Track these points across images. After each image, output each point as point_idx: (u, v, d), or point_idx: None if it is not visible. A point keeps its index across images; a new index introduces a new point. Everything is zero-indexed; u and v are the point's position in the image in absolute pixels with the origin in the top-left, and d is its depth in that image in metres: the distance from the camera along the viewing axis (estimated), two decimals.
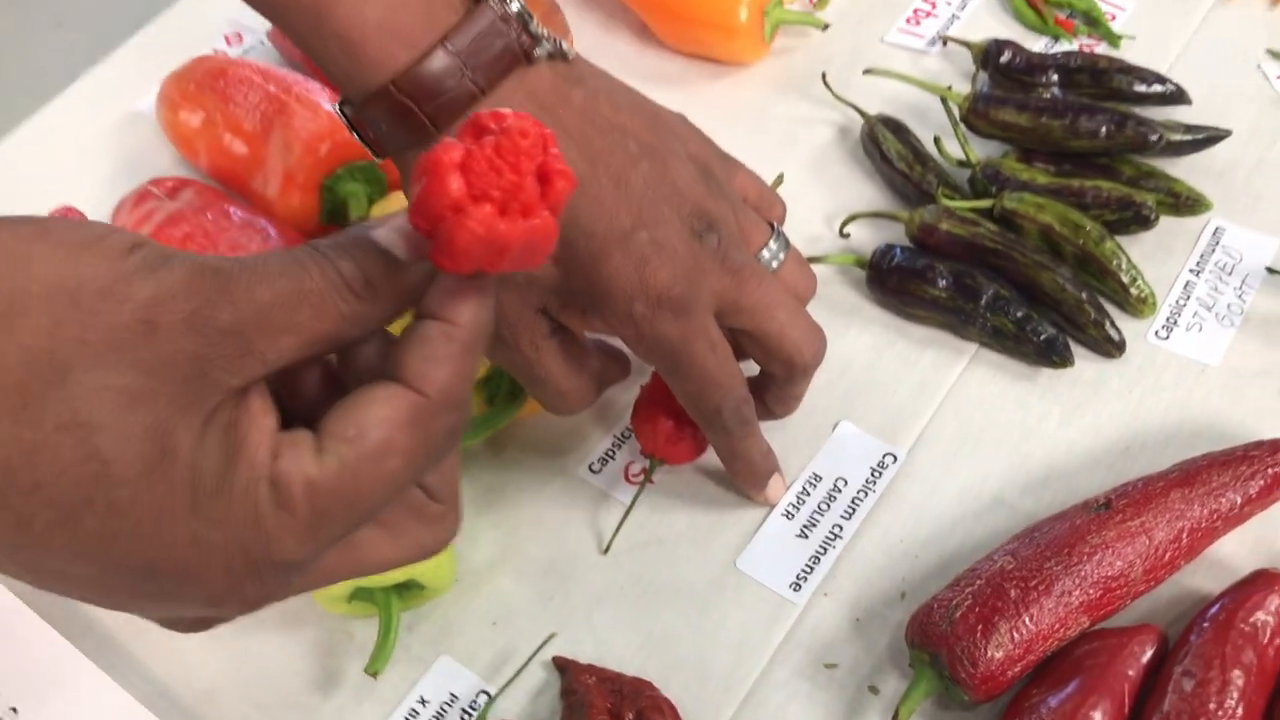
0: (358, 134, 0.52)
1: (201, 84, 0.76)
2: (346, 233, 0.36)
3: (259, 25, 0.88)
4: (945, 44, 0.79)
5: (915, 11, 0.82)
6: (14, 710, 0.58)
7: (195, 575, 0.34)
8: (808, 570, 0.59)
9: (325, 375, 0.40)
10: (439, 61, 0.48)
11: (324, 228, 0.71)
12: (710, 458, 0.62)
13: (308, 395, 0.39)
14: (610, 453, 0.64)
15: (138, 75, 0.86)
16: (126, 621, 0.60)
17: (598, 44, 0.84)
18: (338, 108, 0.52)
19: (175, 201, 0.71)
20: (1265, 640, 0.52)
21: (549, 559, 0.61)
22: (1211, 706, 0.50)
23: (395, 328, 0.37)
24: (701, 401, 0.55)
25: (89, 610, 0.61)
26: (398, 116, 0.49)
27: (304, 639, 0.60)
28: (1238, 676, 0.51)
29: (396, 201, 0.69)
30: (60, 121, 0.85)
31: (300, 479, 0.34)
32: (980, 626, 0.52)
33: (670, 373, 0.55)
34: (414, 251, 0.35)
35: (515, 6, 0.49)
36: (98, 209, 0.75)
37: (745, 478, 0.60)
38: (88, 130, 0.84)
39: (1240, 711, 0.50)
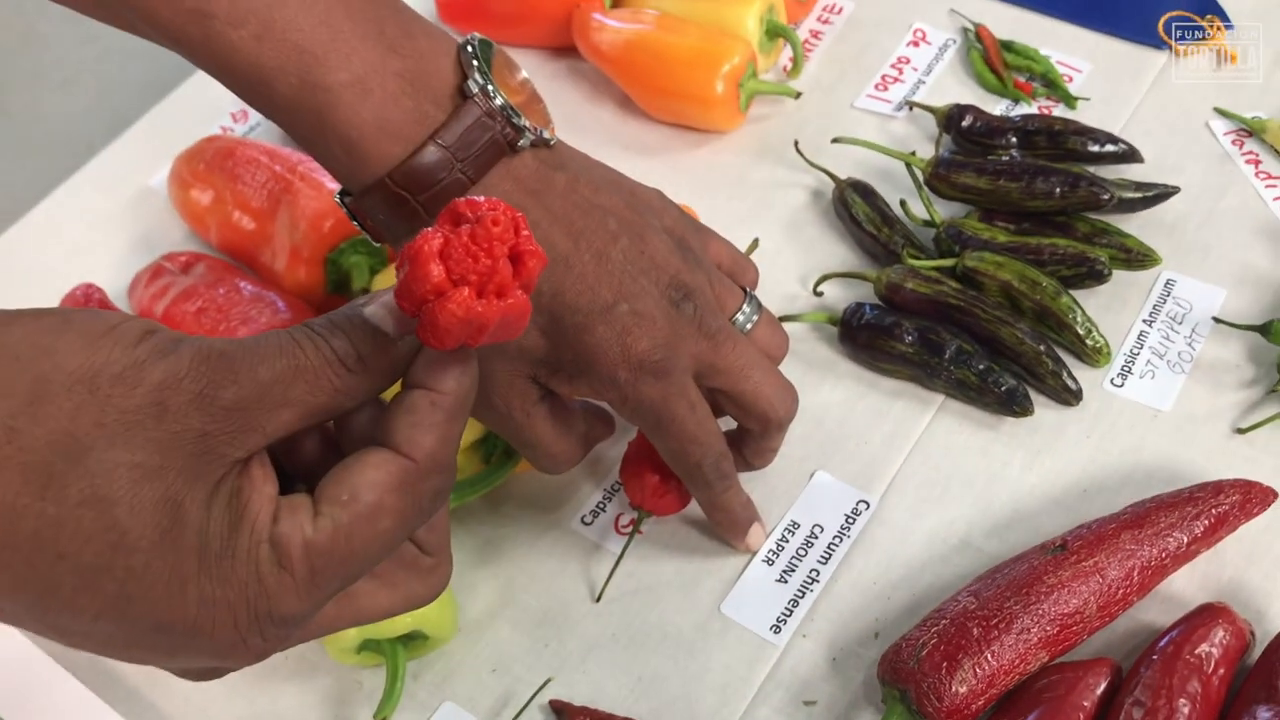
0: (357, 221, 0.56)
1: (211, 164, 0.81)
2: (339, 311, 0.40)
3: None
4: (911, 109, 0.84)
5: (883, 78, 0.87)
6: None
7: (204, 631, 0.38)
8: (787, 613, 0.63)
9: (323, 438, 0.43)
10: (430, 155, 0.52)
11: (330, 298, 0.75)
12: (694, 509, 0.66)
13: (306, 457, 0.43)
14: (601, 505, 0.68)
15: (150, 153, 0.91)
16: (148, 674, 0.64)
17: (584, 114, 0.89)
18: (338, 197, 0.57)
19: (188, 276, 0.75)
20: (1209, 670, 0.56)
21: (544, 608, 0.65)
22: None
23: (386, 394, 0.42)
24: (683, 458, 0.59)
25: (114, 666, 0.65)
26: (393, 206, 0.53)
27: (316, 688, 0.63)
28: (1184, 705, 0.54)
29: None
30: (77, 198, 0.90)
31: (298, 541, 0.38)
32: (945, 664, 0.56)
33: (653, 432, 0.59)
34: (401, 327, 0.39)
35: (499, 102, 0.54)
36: (115, 282, 0.80)
37: (727, 527, 0.64)
38: (104, 206, 0.89)
39: None
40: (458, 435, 0.41)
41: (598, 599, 0.65)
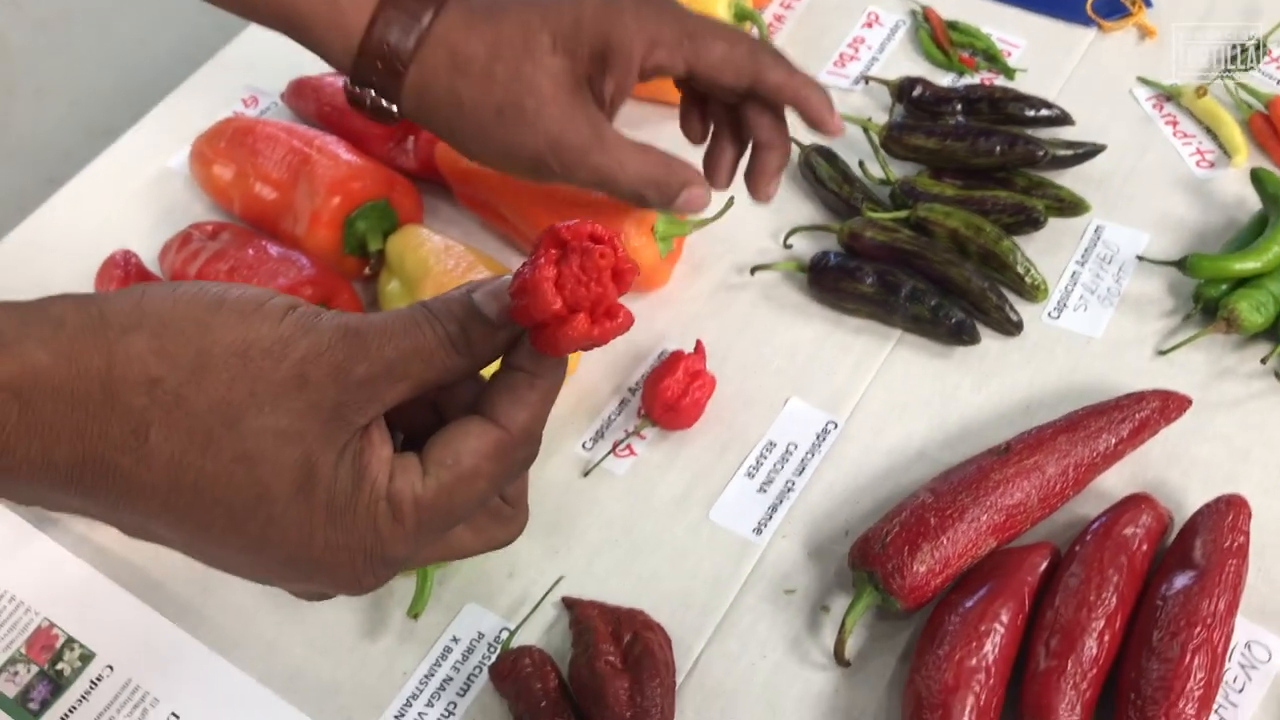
0: (364, 109, 0.67)
1: (232, 141, 0.88)
2: (450, 296, 0.46)
3: (273, 89, 1.00)
4: (867, 82, 0.93)
5: (841, 56, 0.96)
6: (110, 667, 0.69)
7: (328, 568, 0.45)
8: (767, 517, 0.71)
9: (426, 402, 0.49)
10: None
11: (346, 258, 0.83)
12: (686, 434, 0.74)
13: (406, 412, 0.48)
14: (599, 433, 0.76)
15: (167, 137, 0.98)
16: (200, 587, 0.71)
17: None
18: (346, 85, 0.67)
19: (216, 242, 0.83)
20: (1135, 547, 0.65)
21: (553, 520, 0.73)
22: (1092, 597, 0.62)
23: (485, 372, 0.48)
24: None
25: (166, 582, 0.72)
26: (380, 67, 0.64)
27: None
28: (1113, 574, 0.63)
29: (410, 234, 0.80)
30: (103, 178, 0.97)
31: (409, 497, 0.44)
32: (907, 548, 0.64)
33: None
34: (504, 315, 0.45)
35: None
36: (145, 249, 0.87)
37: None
38: (128, 185, 0.96)
39: (1115, 601, 0.62)
40: (547, 414, 0.47)
41: (585, 475, 0.74)
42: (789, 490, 0.72)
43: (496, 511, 0.51)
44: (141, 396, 0.42)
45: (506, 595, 0.70)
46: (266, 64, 1.03)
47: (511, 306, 0.44)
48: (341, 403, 0.43)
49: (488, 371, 0.48)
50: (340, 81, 0.91)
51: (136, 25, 2.26)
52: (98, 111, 2.10)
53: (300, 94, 0.95)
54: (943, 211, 0.80)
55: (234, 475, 0.43)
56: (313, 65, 0.98)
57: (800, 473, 0.73)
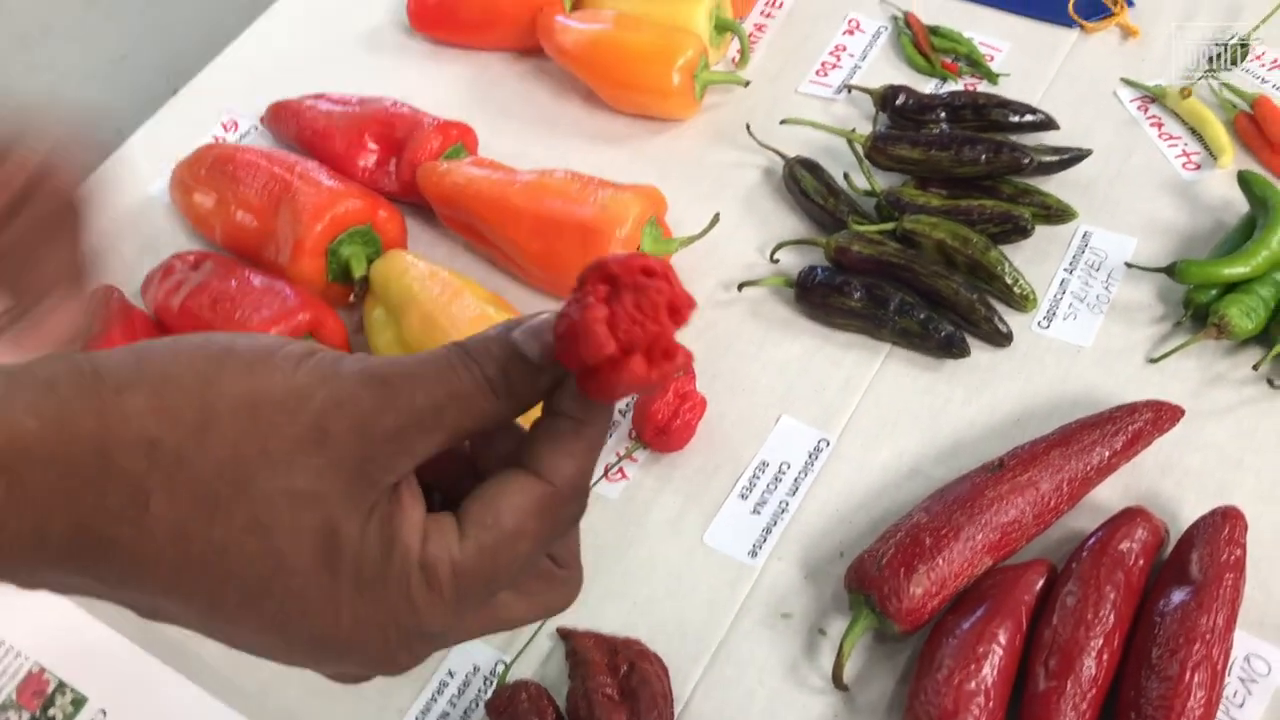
0: None
1: (213, 169, 0.87)
2: (489, 335, 0.41)
3: (252, 112, 0.99)
4: (850, 91, 0.92)
5: (823, 65, 0.95)
6: (103, 712, 0.69)
7: (358, 647, 0.40)
8: (762, 539, 0.71)
9: (458, 455, 0.45)
10: None
11: (331, 286, 0.82)
12: (678, 455, 0.74)
13: (444, 471, 0.44)
14: None
15: (146, 164, 0.97)
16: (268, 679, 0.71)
17: (552, 109, 0.96)
18: None
19: (199, 273, 0.82)
20: (1131, 563, 0.64)
21: None
22: (1089, 615, 0.62)
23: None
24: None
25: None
26: None
27: None
28: (1110, 591, 0.63)
29: (394, 260, 0.80)
30: None
31: (446, 562, 0.39)
32: (903, 569, 0.64)
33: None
34: (547, 356, 0.40)
35: None
36: (129, 279, 0.86)
37: None
38: (109, 213, 0.95)
39: (1112, 619, 0.62)
40: (594, 464, 0.43)
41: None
42: (783, 511, 0.72)
43: (547, 574, 0.45)
44: (140, 460, 0.37)
45: None
46: (245, 86, 1.02)
47: (558, 349, 0.40)
48: (366, 459, 0.38)
49: (525, 419, 0.43)
50: (320, 104, 0.91)
51: (118, 42, 2.25)
52: (105, 130, 2.09)
53: (279, 118, 0.94)
54: (929, 223, 0.79)
55: (246, 545, 0.38)
56: (290, 88, 0.98)
57: (794, 493, 0.72)
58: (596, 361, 0.38)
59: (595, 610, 0.69)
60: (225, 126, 0.99)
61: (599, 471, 0.75)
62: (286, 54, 1.05)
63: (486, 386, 0.40)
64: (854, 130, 0.86)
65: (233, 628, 0.40)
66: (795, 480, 0.73)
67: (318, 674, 0.44)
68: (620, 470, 0.74)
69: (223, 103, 1.01)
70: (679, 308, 0.39)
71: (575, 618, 0.69)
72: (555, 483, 0.41)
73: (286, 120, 0.93)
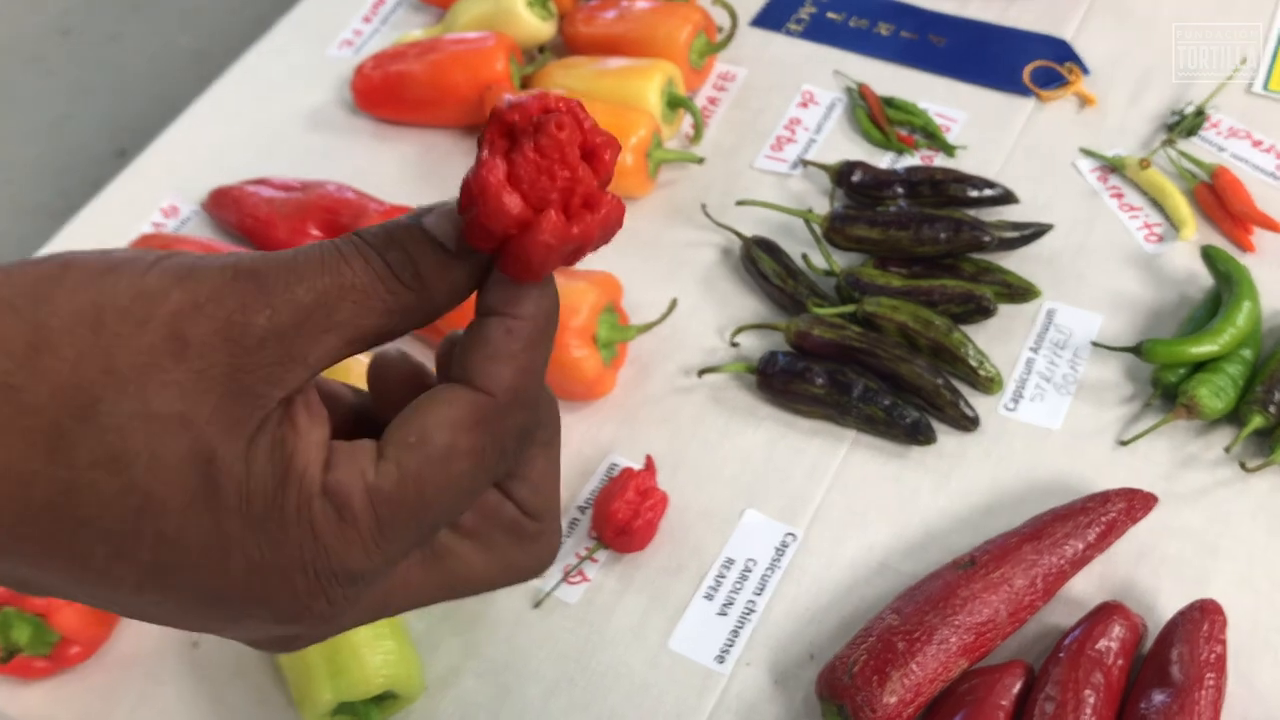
0: None
1: None
2: (394, 221, 0.35)
3: (194, 197, 0.96)
4: (805, 166, 0.91)
5: (778, 139, 0.94)
6: None
7: (259, 598, 0.34)
8: (729, 643, 0.68)
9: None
10: None
11: None
12: (640, 553, 0.71)
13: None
14: None
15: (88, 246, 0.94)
16: None
17: None
18: None
19: None
20: (1110, 662, 0.62)
21: (504, 658, 0.69)
22: None
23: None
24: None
25: None
26: None
27: None
28: (1089, 695, 0.61)
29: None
30: None
31: (359, 488, 0.33)
32: (876, 677, 0.62)
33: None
34: (464, 242, 0.34)
35: None
36: None
37: None
38: None
39: None
40: (541, 365, 0.36)
41: (537, 605, 0.70)
42: (750, 612, 0.69)
43: (513, 524, 0.38)
44: None
45: None
46: (189, 165, 0.99)
47: (465, 231, 0.33)
48: (240, 367, 0.32)
49: None
50: (261, 190, 0.88)
51: (60, 102, 2.21)
52: (48, 192, 2.05)
53: (220, 204, 0.92)
54: (890, 305, 0.77)
55: (98, 484, 0.31)
56: (232, 171, 0.95)
57: (760, 591, 0.70)
58: (504, 227, 0.32)
59: None
60: (165, 212, 0.96)
61: (557, 575, 0.72)
62: (230, 133, 1.02)
63: (389, 274, 0.34)
64: (810, 210, 0.84)
65: (107, 587, 0.33)
66: (762, 578, 0.70)
67: (231, 639, 0.37)
68: (580, 572, 0.72)
69: (166, 181, 0.98)
70: (595, 149, 0.33)
71: None
72: (491, 391, 0.34)
73: (227, 206, 0.91)
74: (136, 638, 0.73)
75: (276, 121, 1.02)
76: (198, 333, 0.31)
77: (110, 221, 0.96)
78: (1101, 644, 0.63)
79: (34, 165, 2.11)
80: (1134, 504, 0.68)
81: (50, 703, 0.70)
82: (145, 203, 0.97)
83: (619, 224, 0.34)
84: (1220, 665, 0.61)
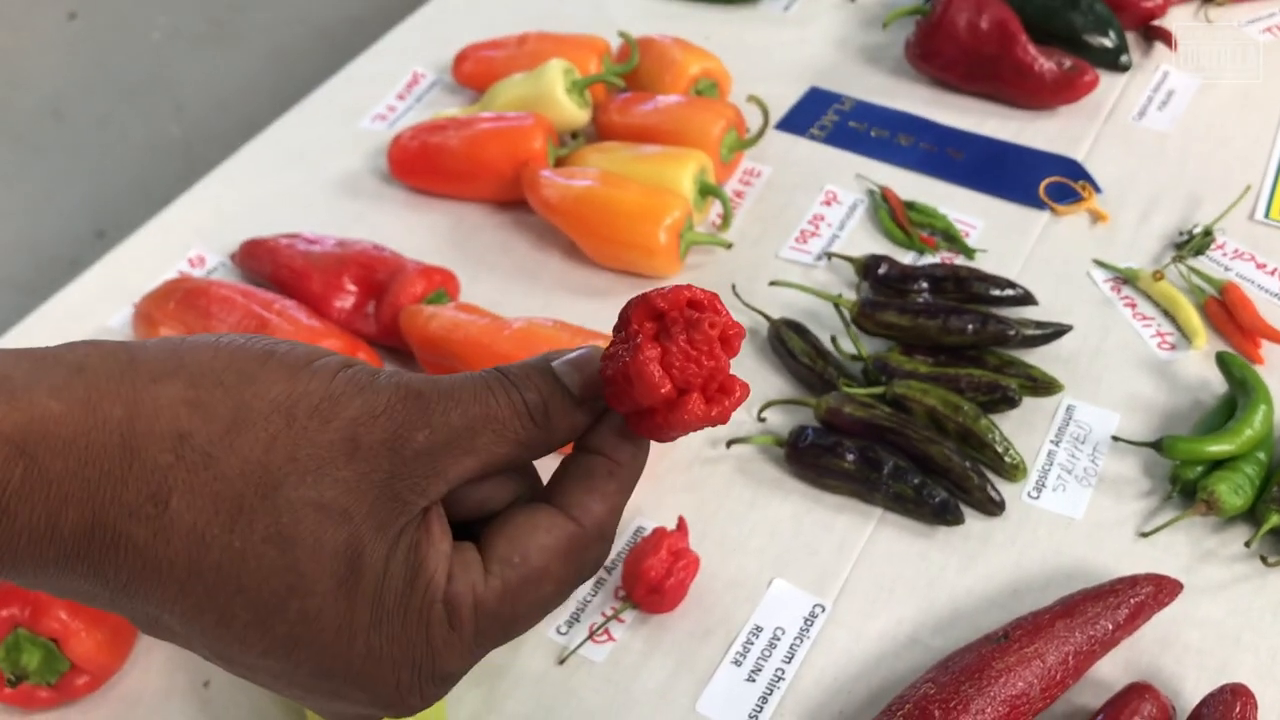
0: None
1: (182, 303, 0.84)
2: (530, 362, 0.40)
3: (221, 249, 0.97)
4: (830, 259, 0.93)
5: (802, 232, 0.96)
6: None
7: (367, 683, 0.37)
8: (758, 710, 0.68)
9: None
10: None
11: None
12: (667, 618, 0.71)
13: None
14: (575, 616, 0.72)
15: (105, 296, 0.94)
16: None
17: (532, 261, 0.96)
18: None
19: None
20: None
21: (528, 714, 0.68)
22: None
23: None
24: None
25: None
26: None
27: None
28: None
29: None
30: (36, 337, 0.92)
31: (470, 600, 0.37)
32: None
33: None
34: (587, 391, 0.39)
35: None
36: None
37: None
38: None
39: None
40: (623, 508, 0.41)
41: (561, 662, 0.70)
42: (779, 679, 0.69)
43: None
44: (167, 454, 0.35)
45: None
46: (213, 224, 1.00)
47: (607, 393, 0.38)
48: (396, 475, 0.36)
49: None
50: (297, 244, 0.89)
51: (40, 182, 2.22)
52: (25, 267, 2.04)
53: (253, 254, 0.92)
54: (920, 389, 0.79)
55: (264, 557, 0.35)
56: (261, 230, 0.96)
57: (789, 660, 0.70)
58: (652, 403, 0.37)
59: None
60: (192, 262, 0.97)
61: (582, 633, 0.71)
62: (260, 193, 1.04)
63: (525, 411, 0.38)
64: (840, 295, 0.87)
65: (236, 648, 0.37)
66: (791, 646, 0.70)
67: (318, 711, 0.41)
68: (606, 632, 0.71)
69: (188, 238, 0.98)
70: (730, 338, 0.38)
71: None
72: (584, 524, 0.39)
73: (261, 257, 0.91)
74: (144, 674, 0.71)
75: (308, 185, 1.04)
76: (369, 440, 0.36)
77: (137, 267, 0.96)
78: None
79: (12, 242, 2.10)
80: (1161, 589, 0.69)
81: None
82: (171, 252, 0.97)
83: (742, 404, 0.39)
84: None
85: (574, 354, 0.40)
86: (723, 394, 0.38)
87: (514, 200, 0.98)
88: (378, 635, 0.37)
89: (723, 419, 0.38)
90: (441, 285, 0.87)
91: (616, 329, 0.39)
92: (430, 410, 0.37)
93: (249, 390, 0.36)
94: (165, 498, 0.35)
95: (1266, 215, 0.95)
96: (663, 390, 0.37)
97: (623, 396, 0.38)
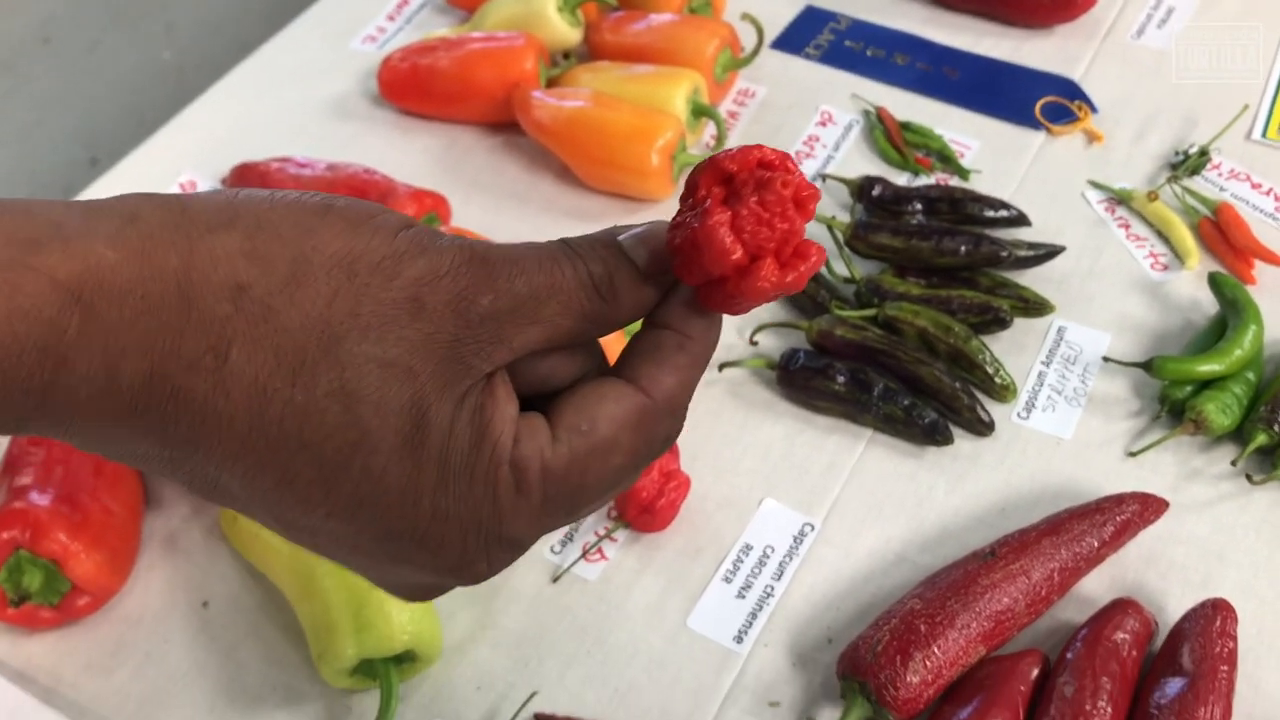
0: None
1: None
2: (596, 235, 0.39)
3: (213, 174, 0.96)
4: (825, 180, 0.93)
5: (797, 153, 0.96)
6: None
7: (434, 546, 0.37)
8: (748, 625, 0.69)
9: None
10: None
11: None
12: (659, 537, 0.72)
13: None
14: (568, 536, 0.73)
15: None
16: (137, 709, 0.66)
17: (524, 184, 0.95)
18: None
19: None
20: (1125, 653, 0.64)
21: (522, 629, 0.69)
22: (1088, 707, 0.61)
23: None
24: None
25: (102, 705, 0.67)
26: None
27: (307, 713, 0.66)
28: (1106, 682, 0.62)
29: None
30: None
31: (537, 465, 0.37)
32: (899, 657, 0.62)
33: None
34: (654, 264, 0.38)
35: None
36: None
37: None
38: None
39: (1110, 710, 0.61)
40: (695, 382, 0.40)
41: (555, 580, 0.71)
42: (768, 596, 0.70)
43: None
44: (225, 304, 0.34)
45: (475, 711, 0.66)
46: (204, 148, 1.00)
47: (675, 263, 0.37)
48: (461, 338, 0.35)
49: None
50: (288, 167, 0.89)
51: (29, 109, 2.20)
52: (19, 196, 2.03)
53: (245, 179, 0.92)
54: (911, 310, 0.79)
55: (328, 413, 0.34)
56: (251, 153, 0.96)
57: (779, 577, 0.71)
58: (723, 271, 0.35)
59: (576, 696, 0.66)
60: (183, 186, 0.96)
61: (575, 551, 0.72)
62: (249, 117, 1.03)
63: (590, 284, 0.37)
64: (833, 218, 0.87)
65: (299, 510, 0.36)
66: (780, 564, 0.71)
67: (380, 583, 0.40)
68: (599, 550, 0.72)
69: (179, 163, 0.98)
70: (804, 200, 0.36)
71: (554, 703, 0.66)
72: (655, 396, 0.38)
73: (252, 182, 0.91)
74: (144, 595, 0.72)
75: (298, 108, 1.03)
76: (434, 300, 0.35)
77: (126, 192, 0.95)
78: (1118, 635, 0.64)
79: (5, 170, 2.09)
80: (1147, 507, 0.70)
81: (54, 655, 0.69)
82: (161, 177, 0.97)
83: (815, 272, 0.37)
84: (1232, 659, 0.63)
85: (640, 228, 0.39)
86: (798, 258, 0.36)
87: (506, 121, 0.97)
88: (444, 496, 0.36)
89: (798, 285, 0.36)
90: (433, 209, 0.87)
91: (684, 197, 0.38)
92: (495, 275, 0.36)
93: (308, 242, 0.35)
94: (224, 350, 0.34)
95: (1264, 135, 0.95)
96: (734, 256, 0.35)
97: (692, 267, 0.36)
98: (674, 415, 0.39)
